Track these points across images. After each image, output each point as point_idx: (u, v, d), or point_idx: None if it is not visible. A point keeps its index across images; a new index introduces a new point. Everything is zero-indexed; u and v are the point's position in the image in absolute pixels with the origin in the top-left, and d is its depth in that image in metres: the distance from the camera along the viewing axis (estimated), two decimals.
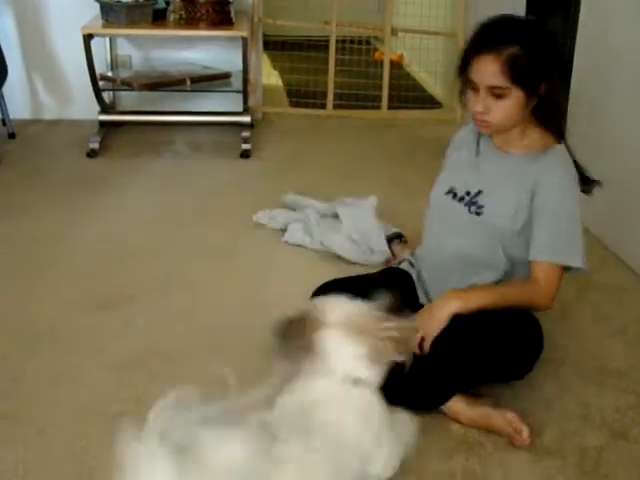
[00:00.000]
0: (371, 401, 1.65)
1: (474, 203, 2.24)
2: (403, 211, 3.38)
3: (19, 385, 2.29)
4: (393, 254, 2.91)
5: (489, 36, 2.09)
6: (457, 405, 2.13)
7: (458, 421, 2.13)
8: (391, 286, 2.29)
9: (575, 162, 2.22)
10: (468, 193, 2.26)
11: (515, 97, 2.08)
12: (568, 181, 2.17)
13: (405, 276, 2.42)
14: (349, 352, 1.61)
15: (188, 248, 3.20)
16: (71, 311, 2.69)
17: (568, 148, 2.23)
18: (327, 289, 2.30)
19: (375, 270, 2.64)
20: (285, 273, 3.00)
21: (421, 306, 2.31)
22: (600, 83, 3.35)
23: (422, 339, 2.09)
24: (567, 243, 2.17)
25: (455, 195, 2.28)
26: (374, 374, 1.65)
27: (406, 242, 2.95)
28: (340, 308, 1.65)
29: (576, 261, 2.16)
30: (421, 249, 2.43)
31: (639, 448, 2.09)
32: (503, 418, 2.07)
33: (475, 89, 2.11)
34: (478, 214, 2.22)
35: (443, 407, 2.14)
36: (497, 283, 2.24)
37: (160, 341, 2.52)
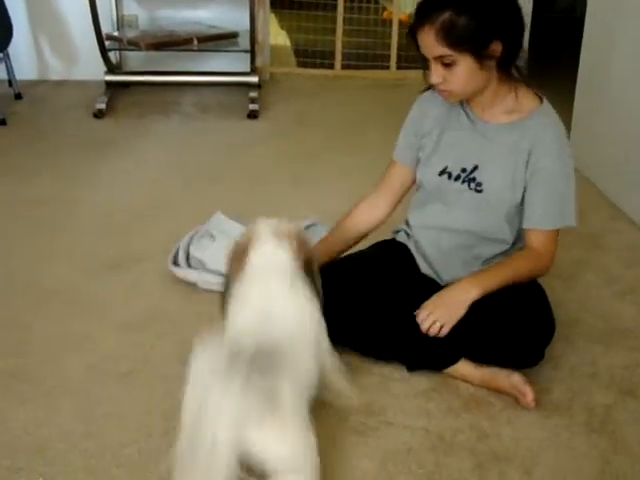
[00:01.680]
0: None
1: (472, 180, 2.17)
2: None
3: (28, 345, 2.30)
4: None
5: (424, 7, 2.00)
6: (464, 366, 2.14)
7: (465, 381, 2.14)
8: (389, 260, 2.31)
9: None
10: (464, 170, 2.18)
11: (464, 62, 1.98)
12: (560, 142, 2.12)
13: (401, 247, 2.37)
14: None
15: (196, 209, 3.19)
16: (79, 272, 2.70)
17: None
18: (324, 270, 2.28)
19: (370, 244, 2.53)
20: None
21: (423, 276, 2.30)
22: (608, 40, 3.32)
23: (441, 326, 2.08)
24: (562, 207, 2.14)
25: (450, 175, 2.20)
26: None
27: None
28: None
29: (570, 221, 2.14)
30: (417, 223, 2.34)
31: None
32: (509, 380, 2.07)
33: (428, 62, 2.04)
34: (479, 191, 2.16)
35: (450, 369, 2.15)
36: (504, 254, 2.22)
37: (167, 302, 2.53)
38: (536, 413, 2.04)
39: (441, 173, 2.21)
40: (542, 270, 2.19)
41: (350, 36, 5.18)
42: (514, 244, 2.22)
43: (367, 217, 2.38)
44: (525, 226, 2.16)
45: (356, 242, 2.38)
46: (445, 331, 2.08)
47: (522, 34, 2.04)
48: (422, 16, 1.99)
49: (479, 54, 1.98)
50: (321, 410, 2.03)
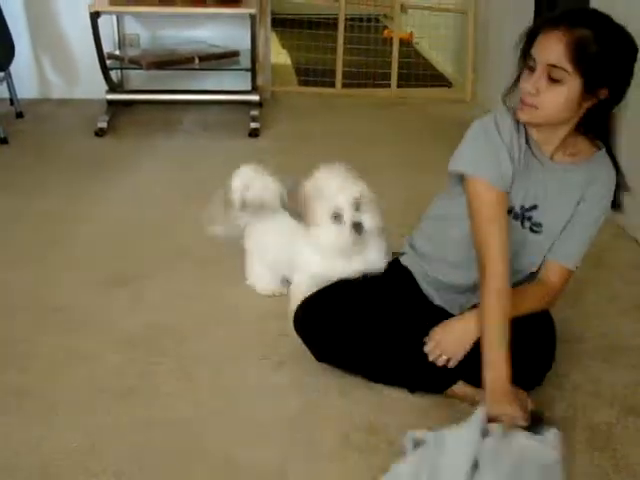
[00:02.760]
0: None
1: (529, 218, 2.10)
2: (411, 188, 3.36)
3: (31, 361, 2.30)
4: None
5: (564, 14, 1.90)
6: (462, 387, 2.13)
7: (465, 401, 2.13)
8: (390, 283, 2.29)
9: (616, 167, 2.11)
10: (522, 207, 2.09)
11: (572, 86, 1.86)
12: (611, 189, 2.10)
13: (403, 270, 2.31)
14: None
15: (196, 226, 3.19)
16: (81, 288, 2.70)
17: (612, 151, 2.10)
18: (328, 292, 2.27)
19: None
20: None
21: (430, 304, 2.26)
22: None
23: (447, 358, 2.09)
24: (585, 251, 2.15)
25: (511, 211, 2.07)
26: None
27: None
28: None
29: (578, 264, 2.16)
30: (431, 254, 2.26)
31: None
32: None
33: (532, 68, 1.91)
34: (535, 232, 2.10)
35: (448, 390, 2.15)
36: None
37: (171, 318, 2.53)
38: None
39: (509, 212, 2.07)
40: (551, 304, 2.18)
41: (351, 55, 5.20)
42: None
43: None
44: (551, 257, 2.12)
45: None
46: (452, 364, 2.09)
47: (624, 94, 1.95)
48: (563, 20, 1.87)
49: (589, 88, 1.88)
50: (323, 428, 2.03)
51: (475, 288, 2.12)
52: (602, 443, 2.01)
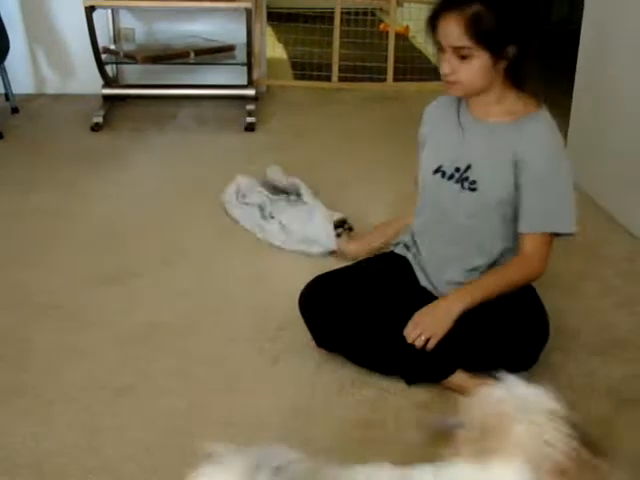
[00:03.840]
0: None
1: (466, 179, 2.16)
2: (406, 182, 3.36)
3: (28, 358, 2.30)
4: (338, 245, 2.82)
5: None
6: (459, 377, 2.14)
7: (462, 393, 2.14)
8: (388, 272, 2.31)
9: None
10: (457, 170, 2.18)
11: (480, 58, 2.00)
12: (553, 146, 2.12)
13: (401, 260, 2.37)
14: None
15: (192, 222, 3.20)
16: (76, 285, 2.70)
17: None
18: (322, 282, 2.29)
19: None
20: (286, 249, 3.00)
21: (421, 289, 2.29)
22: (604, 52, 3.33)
23: (427, 338, 2.10)
24: (556, 211, 2.13)
25: (444, 174, 2.20)
26: None
27: (351, 230, 2.91)
28: None
29: (565, 228, 2.14)
30: (416, 229, 2.36)
31: None
32: None
33: (442, 50, 2.05)
34: (473, 189, 2.15)
35: (445, 381, 2.15)
36: (490, 266, 2.21)
37: (164, 315, 2.53)
38: None
39: (435, 171, 2.22)
40: (534, 275, 2.17)
41: (347, 49, 5.19)
42: (505, 256, 2.20)
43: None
44: (519, 230, 2.15)
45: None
46: (432, 344, 2.08)
47: (535, 42, 2.06)
48: (451, 3, 2.00)
49: (496, 53, 2.00)
50: (320, 423, 2.03)
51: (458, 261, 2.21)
52: (598, 436, 2.01)
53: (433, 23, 2.05)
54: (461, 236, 2.21)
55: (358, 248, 2.67)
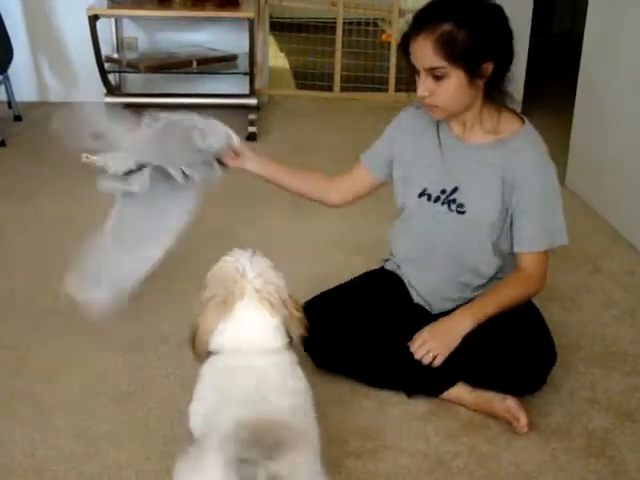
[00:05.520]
0: None
1: (453, 201, 2.14)
2: None
3: (26, 365, 2.30)
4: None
5: (423, 16, 1.99)
6: (459, 390, 2.13)
7: (461, 405, 2.14)
8: (381, 289, 2.31)
9: None
10: (443, 191, 2.15)
11: (455, 77, 1.97)
12: (542, 162, 2.10)
13: (392, 276, 2.35)
14: None
15: (193, 229, 3.18)
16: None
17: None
18: (315, 305, 2.25)
19: (357, 274, 2.46)
20: (286, 256, 2.98)
21: (416, 306, 2.28)
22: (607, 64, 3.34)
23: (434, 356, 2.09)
24: (551, 227, 2.12)
25: (430, 197, 2.17)
26: None
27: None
28: None
29: (561, 241, 2.13)
30: (401, 255, 2.32)
31: None
32: (503, 405, 2.06)
33: (418, 74, 2.02)
34: (461, 212, 2.13)
35: (445, 393, 2.15)
36: (493, 280, 2.20)
37: (164, 323, 2.52)
38: (535, 437, 2.04)
39: (420, 195, 2.19)
40: (536, 291, 2.17)
41: (349, 58, 5.20)
42: (501, 271, 2.20)
43: (318, 188, 2.39)
44: (516, 250, 2.14)
45: (292, 185, 2.37)
46: (439, 362, 2.08)
47: (512, 58, 2.03)
48: (420, 25, 1.97)
49: (471, 71, 1.97)
50: (321, 433, 2.03)
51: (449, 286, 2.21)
52: (599, 449, 2.01)
53: (405, 49, 2.02)
54: (453, 261, 2.19)
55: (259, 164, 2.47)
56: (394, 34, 5.20)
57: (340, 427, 2.06)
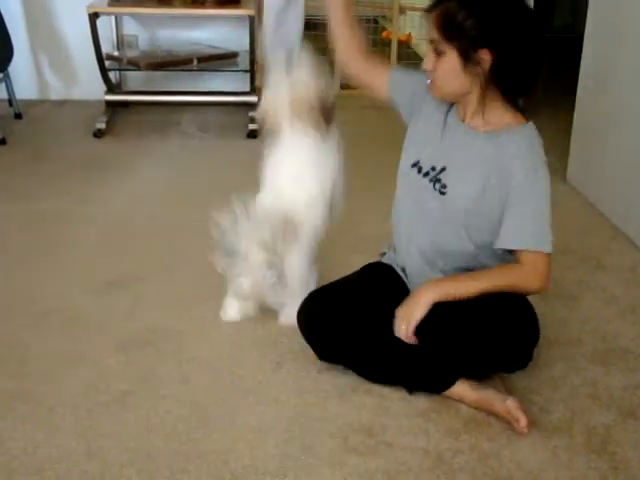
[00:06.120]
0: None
1: (438, 180, 2.15)
2: None
3: (27, 364, 2.30)
4: None
5: None
6: (461, 388, 2.13)
7: (463, 403, 2.13)
8: (380, 283, 2.31)
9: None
10: (433, 168, 2.17)
11: (450, 57, 2.00)
12: (533, 164, 2.06)
13: (389, 270, 2.36)
14: None
15: (195, 228, 3.19)
16: (79, 290, 2.70)
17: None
18: (317, 298, 2.27)
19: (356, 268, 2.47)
20: None
21: None
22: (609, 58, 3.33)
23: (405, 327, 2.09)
24: (534, 230, 2.07)
25: (420, 169, 2.19)
26: None
27: None
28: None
29: (543, 246, 2.06)
30: (394, 227, 2.34)
31: None
32: (503, 405, 2.06)
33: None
34: (443, 193, 2.14)
35: (446, 391, 2.15)
36: (471, 269, 2.18)
37: (166, 321, 2.53)
38: (536, 434, 2.04)
39: (413, 165, 2.21)
40: (529, 287, 2.10)
41: None
42: (478, 260, 2.17)
43: (348, 45, 2.46)
44: (497, 244, 2.10)
45: (344, 23, 2.46)
46: (410, 329, 2.06)
47: (519, 53, 2.02)
48: (436, 1, 2.04)
49: (465, 55, 1.99)
50: (321, 431, 2.03)
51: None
52: (600, 446, 2.01)
53: (426, 21, 2.07)
54: (428, 237, 2.20)
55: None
56: (394, 31, 5.19)
57: (341, 423, 2.06)
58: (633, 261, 3.02)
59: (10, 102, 4.51)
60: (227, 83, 4.77)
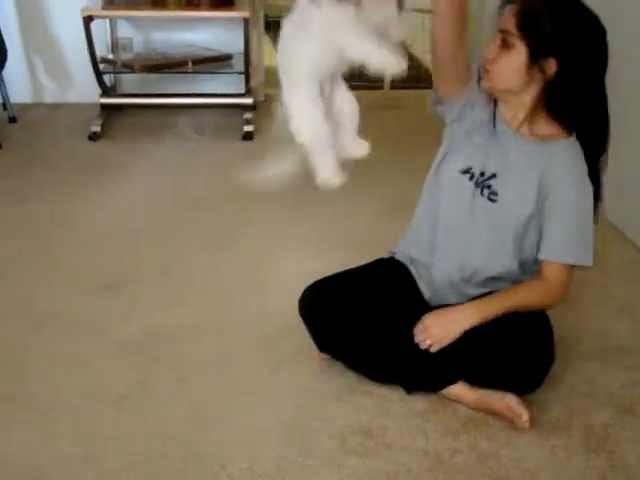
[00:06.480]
0: None
1: (488, 187, 2.12)
2: (405, 191, 3.36)
3: (24, 367, 2.29)
4: None
5: None
6: (459, 388, 2.13)
7: (461, 404, 2.13)
8: (387, 280, 2.30)
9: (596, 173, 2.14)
10: (482, 174, 2.13)
11: (518, 53, 1.97)
12: (580, 176, 2.08)
13: (401, 268, 2.34)
14: None
15: (191, 231, 3.19)
16: (76, 294, 2.69)
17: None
18: (320, 287, 2.27)
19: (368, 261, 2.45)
20: (284, 256, 2.99)
21: (424, 303, 2.27)
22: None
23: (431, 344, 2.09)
24: (580, 243, 2.10)
25: (473, 176, 2.14)
26: None
27: None
28: None
29: (586, 260, 2.10)
30: (418, 235, 2.30)
31: None
32: (503, 402, 2.06)
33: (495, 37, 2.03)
34: (492, 200, 2.11)
35: (444, 390, 2.15)
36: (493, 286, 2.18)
37: (164, 324, 2.52)
38: (535, 433, 2.04)
39: (464, 172, 2.15)
40: (552, 302, 2.14)
41: None
42: (515, 277, 2.17)
43: (454, 44, 2.08)
44: (542, 256, 2.11)
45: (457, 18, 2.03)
46: (434, 349, 2.08)
47: (586, 83, 2.01)
48: None
49: (534, 56, 1.97)
50: (319, 432, 2.03)
51: (462, 284, 2.18)
52: (598, 444, 2.01)
53: (502, 9, 2.03)
54: (468, 251, 2.17)
55: None
56: None
57: (339, 425, 2.06)
58: (630, 259, 3.02)
59: (4, 106, 4.49)
60: (222, 85, 4.76)
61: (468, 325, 2.07)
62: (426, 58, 6.16)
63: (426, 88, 5.28)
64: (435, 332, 2.08)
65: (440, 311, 2.14)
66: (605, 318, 2.61)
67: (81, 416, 2.08)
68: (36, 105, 4.81)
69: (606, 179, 2.71)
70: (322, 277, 2.30)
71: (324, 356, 2.29)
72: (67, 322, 2.53)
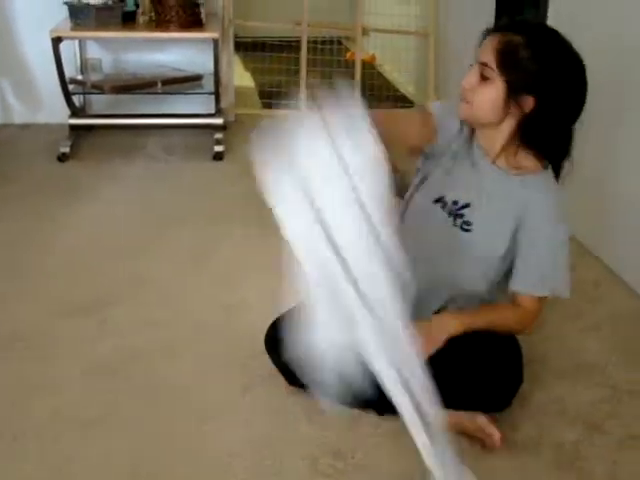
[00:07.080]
0: None
1: (460, 216, 2.12)
2: None
3: None
4: None
5: (513, 22, 2.03)
6: None
7: None
8: None
9: None
10: (455, 203, 2.13)
11: (497, 86, 1.96)
12: (558, 210, 2.09)
13: None
14: None
15: (162, 251, 3.19)
16: (45, 315, 2.67)
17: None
18: (277, 324, 2.24)
19: None
20: (256, 275, 2.99)
21: None
22: None
23: None
24: (556, 276, 2.11)
25: (445, 205, 2.13)
26: None
27: None
28: None
29: (563, 292, 2.12)
30: None
31: (614, 440, 2.11)
32: (474, 422, 2.06)
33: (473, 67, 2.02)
34: (466, 230, 2.11)
35: None
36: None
37: (133, 346, 2.51)
38: (505, 451, 2.04)
39: (436, 201, 2.14)
40: (522, 328, 2.16)
41: (314, 77, 5.22)
42: (486, 295, 2.18)
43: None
44: (516, 287, 2.11)
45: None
46: (429, 351, 2.06)
47: (555, 115, 2.00)
48: (504, 26, 2.01)
49: (512, 92, 1.95)
50: (290, 453, 2.02)
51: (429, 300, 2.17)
52: (568, 462, 2.03)
53: (483, 39, 2.02)
54: (436, 272, 2.15)
55: None
56: (358, 52, 5.24)
57: (310, 445, 2.06)
58: (597, 277, 3.05)
59: None
60: (192, 106, 4.76)
61: (451, 333, 2.05)
62: (394, 77, 6.22)
63: (395, 107, 5.34)
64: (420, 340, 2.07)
65: (421, 323, 2.12)
66: (573, 336, 2.63)
67: (49, 440, 2.06)
68: (5, 126, 4.78)
69: (573, 199, 2.74)
70: (286, 310, 2.24)
71: (293, 388, 2.27)
72: (36, 344, 2.50)
